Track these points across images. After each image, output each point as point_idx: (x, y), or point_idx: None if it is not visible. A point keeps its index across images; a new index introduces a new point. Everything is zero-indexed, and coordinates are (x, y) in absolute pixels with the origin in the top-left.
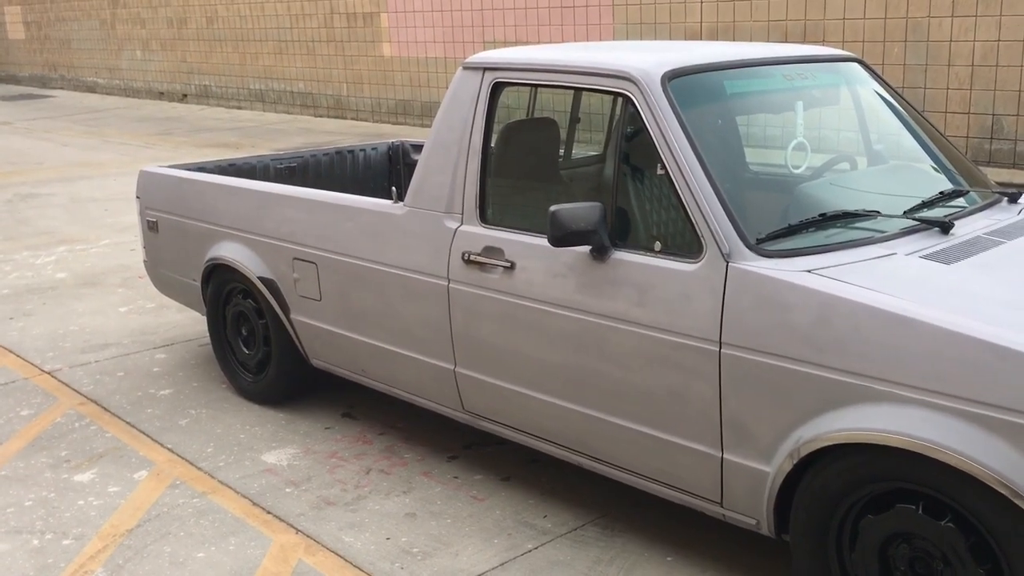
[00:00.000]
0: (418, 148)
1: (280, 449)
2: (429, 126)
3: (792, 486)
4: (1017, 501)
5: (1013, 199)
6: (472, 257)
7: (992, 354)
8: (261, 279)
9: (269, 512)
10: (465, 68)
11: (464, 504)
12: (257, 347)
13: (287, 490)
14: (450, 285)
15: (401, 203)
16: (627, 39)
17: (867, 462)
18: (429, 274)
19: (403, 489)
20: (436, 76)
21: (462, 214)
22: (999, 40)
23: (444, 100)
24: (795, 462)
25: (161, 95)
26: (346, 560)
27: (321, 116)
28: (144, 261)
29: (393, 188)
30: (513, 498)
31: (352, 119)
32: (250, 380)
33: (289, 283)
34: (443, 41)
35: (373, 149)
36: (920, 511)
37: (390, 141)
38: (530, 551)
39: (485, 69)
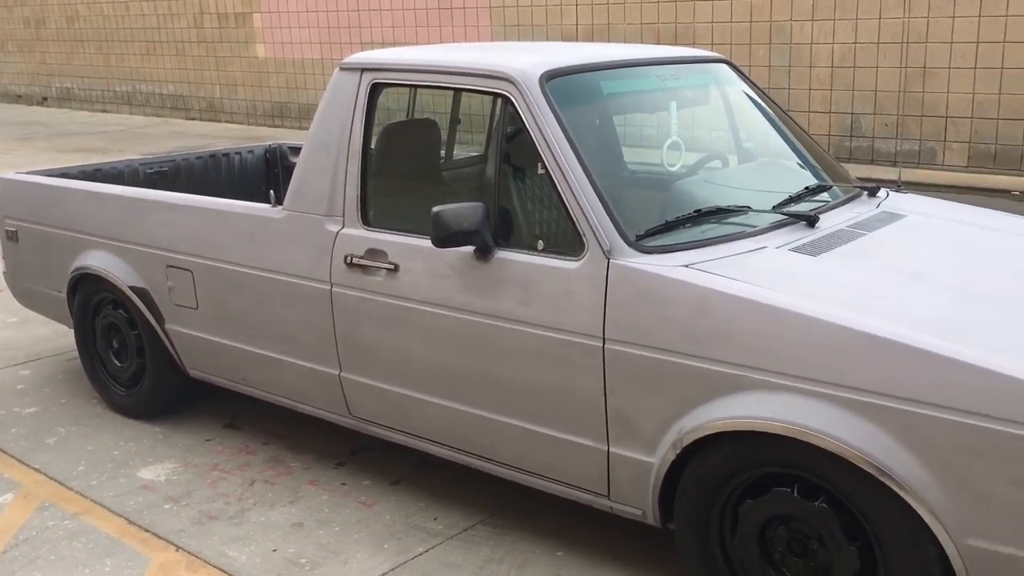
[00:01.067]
0: (296, 151)
1: (158, 464)
2: (307, 128)
3: (676, 476)
4: (883, 479)
5: (872, 193)
6: (355, 260)
7: (856, 340)
8: (133, 288)
9: (147, 530)
10: (342, 69)
11: (353, 511)
12: (130, 359)
13: (166, 506)
14: (333, 289)
15: (280, 207)
16: (505, 41)
17: (745, 449)
18: (311, 278)
19: (289, 499)
20: (313, 77)
21: (343, 217)
22: (856, 42)
23: (322, 102)
24: (678, 452)
25: (19, 98)
26: (230, 575)
27: (193, 119)
28: (3, 273)
29: (271, 192)
30: (403, 502)
31: (226, 122)
32: (123, 394)
33: (163, 292)
34: (319, 42)
35: (249, 152)
36: (795, 494)
37: (267, 144)
38: (421, 554)
39: (363, 70)
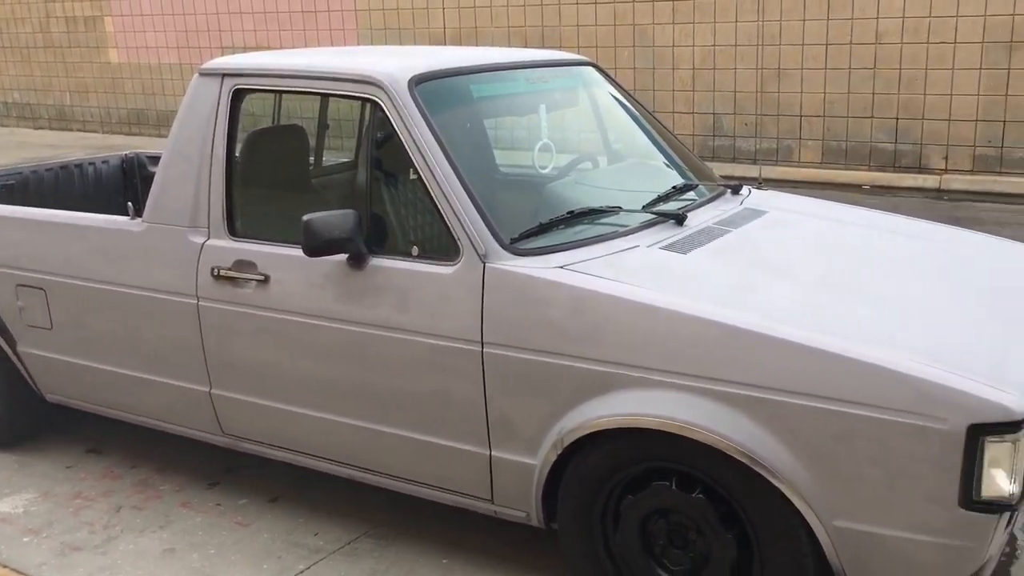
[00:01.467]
0: (155, 160)
1: (14, 495)
2: (166, 136)
3: (558, 476)
4: (755, 468)
5: (735, 191)
6: (222, 272)
7: (724, 333)
8: None
9: (4, 566)
10: (202, 74)
11: (228, 532)
12: None
13: (25, 539)
14: (200, 303)
15: (139, 219)
16: (372, 45)
17: (624, 446)
18: (176, 293)
19: (160, 524)
20: (172, 83)
21: (208, 228)
22: (714, 45)
23: (181, 108)
24: (559, 452)
25: None
26: None
27: (42, 128)
28: None
29: (129, 204)
30: (281, 519)
31: (79, 131)
32: None
33: (13, 312)
34: (176, 46)
35: (104, 162)
36: (673, 487)
37: (123, 153)
38: (302, 572)
39: (224, 75)
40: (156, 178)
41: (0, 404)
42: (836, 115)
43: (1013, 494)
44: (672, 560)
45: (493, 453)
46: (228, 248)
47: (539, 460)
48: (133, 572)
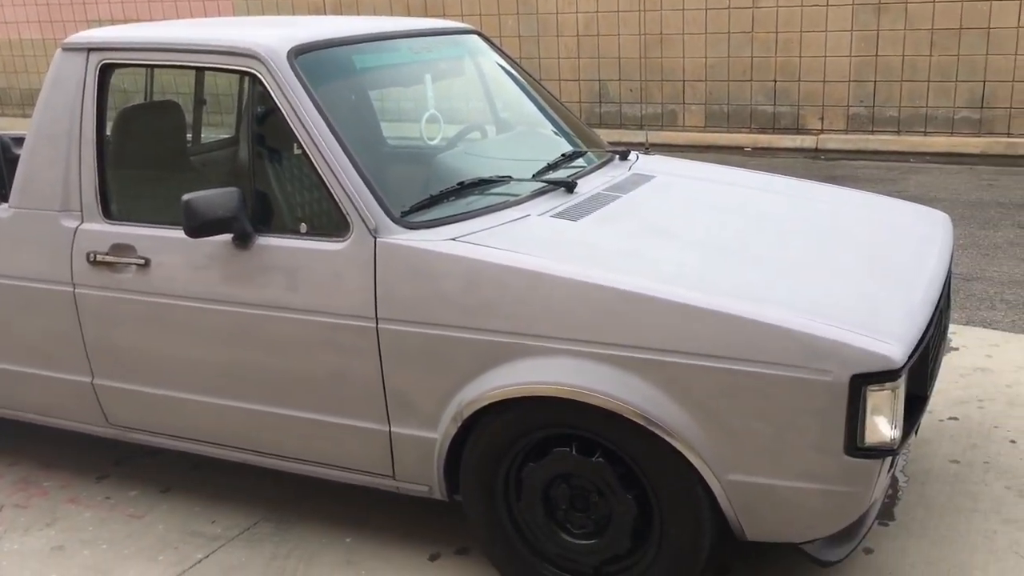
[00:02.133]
0: (19, 142)
1: None
2: (30, 116)
3: (459, 448)
4: (652, 428)
5: (623, 157)
6: (99, 257)
7: (618, 299)
8: None
9: None
10: (65, 49)
11: (121, 525)
12: None
13: None
14: (76, 291)
15: (5, 204)
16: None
17: (524, 414)
18: (49, 281)
19: (46, 521)
20: (34, 60)
21: (81, 211)
22: (597, 11)
23: (44, 86)
24: (459, 424)
25: None
26: None
27: None
28: None
29: None
30: (176, 509)
31: None
32: None
33: None
34: (39, 20)
35: None
36: (574, 452)
37: None
38: (200, 561)
39: (90, 50)
40: (21, 161)
41: None
42: (717, 79)
43: (894, 439)
44: (575, 523)
45: (392, 429)
46: (104, 232)
47: (439, 434)
48: (20, 573)
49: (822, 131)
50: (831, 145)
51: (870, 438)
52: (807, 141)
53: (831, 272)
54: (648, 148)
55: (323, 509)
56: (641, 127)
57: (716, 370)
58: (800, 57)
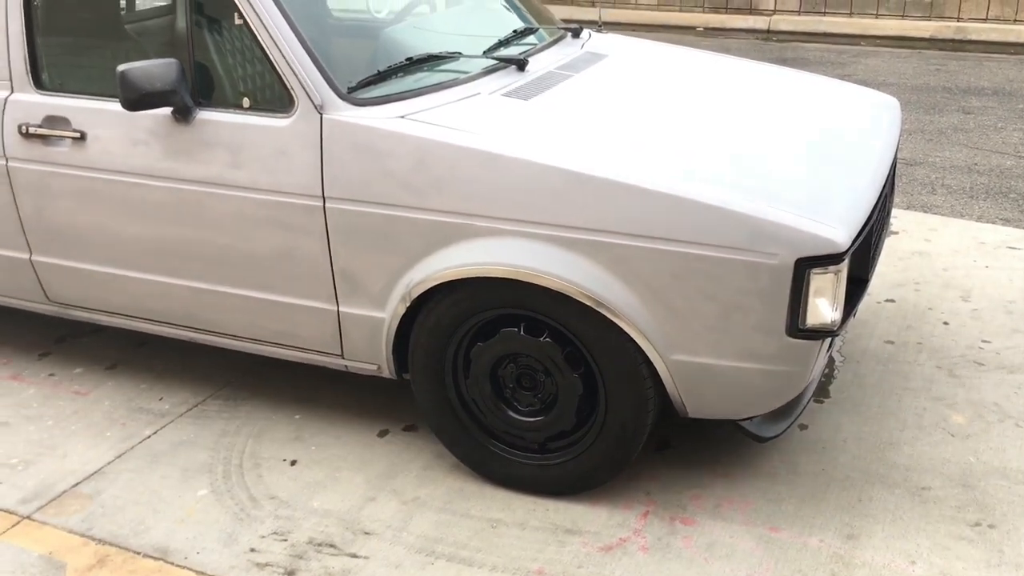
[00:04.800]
0: None
1: None
2: None
3: (407, 328)
4: (599, 309)
5: (576, 35)
6: (31, 130)
7: (567, 180)
8: None
9: None
10: None
11: (66, 402)
12: None
13: None
14: (8, 164)
15: None
16: None
17: (473, 295)
18: None
19: None
20: None
21: (11, 81)
22: None
23: None
24: (408, 304)
25: None
26: None
27: None
28: None
29: None
30: (122, 386)
31: None
32: None
33: None
34: None
35: None
36: (521, 332)
37: None
38: (149, 437)
39: None
40: None
41: None
42: None
43: (835, 321)
44: (522, 401)
45: (341, 309)
46: (36, 103)
47: (388, 314)
48: None
49: (775, 12)
50: (783, 26)
51: (811, 320)
52: (759, 22)
53: (778, 155)
54: (601, 26)
55: (272, 386)
56: (593, 4)
57: (663, 252)
58: None
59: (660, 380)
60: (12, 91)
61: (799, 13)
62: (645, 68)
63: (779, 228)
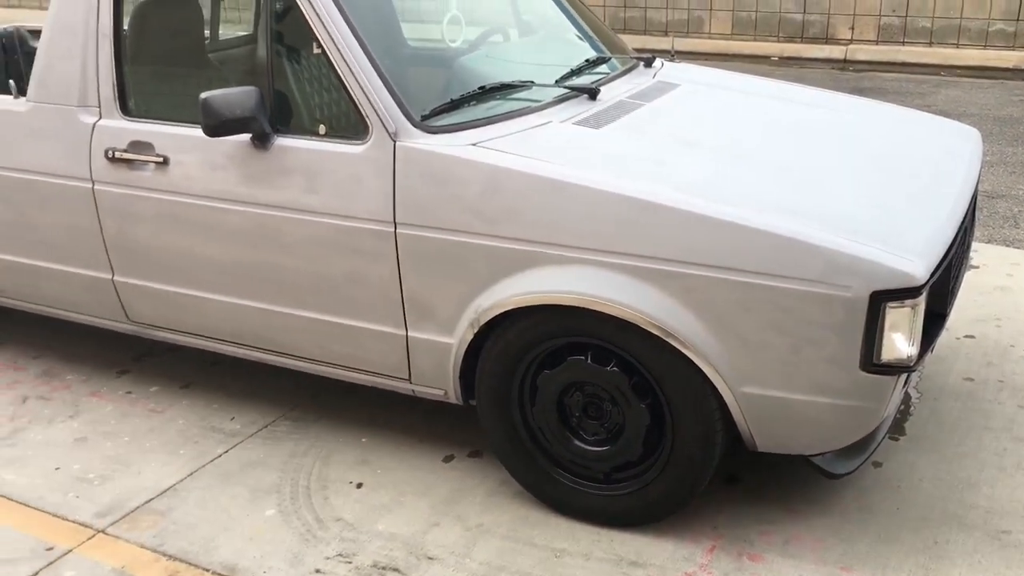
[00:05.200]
0: (37, 34)
1: None
2: (47, 8)
3: (475, 353)
4: (668, 339)
5: (648, 63)
6: (117, 154)
7: (637, 209)
8: None
9: None
10: None
11: (142, 419)
12: None
13: None
14: (95, 187)
15: (24, 98)
16: None
17: (540, 322)
18: (68, 176)
19: (69, 414)
20: None
21: (100, 107)
22: None
23: None
24: (476, 331)
25: None
26: (9, 499)
27: None
28: None
29: (11, 82)
30: (196, 405)
31: None
32: None
33: None
34: None
35: None
36: (589, 360)
37: (2, 27)
38: (220, 456)
39: None
40: (38, 54)
41: None
42: None
43: (911, 356)
44: (588, 430)
45: (409, 333)
46: (122, 129)
47: (456, 339)
48: (44, 462)
49: (851, 41)
50: (860, 56)
51: (887, 355)
52: (836, 51)
53: (855, 186)
54: (674, 55)
55: (340, 409)
56: (666, 33)
57: (733, 283)
58: None
59: (729, 412)
60: (100, 117)
61: (877, 43)
62: (717, 97)
63: (854, 260)
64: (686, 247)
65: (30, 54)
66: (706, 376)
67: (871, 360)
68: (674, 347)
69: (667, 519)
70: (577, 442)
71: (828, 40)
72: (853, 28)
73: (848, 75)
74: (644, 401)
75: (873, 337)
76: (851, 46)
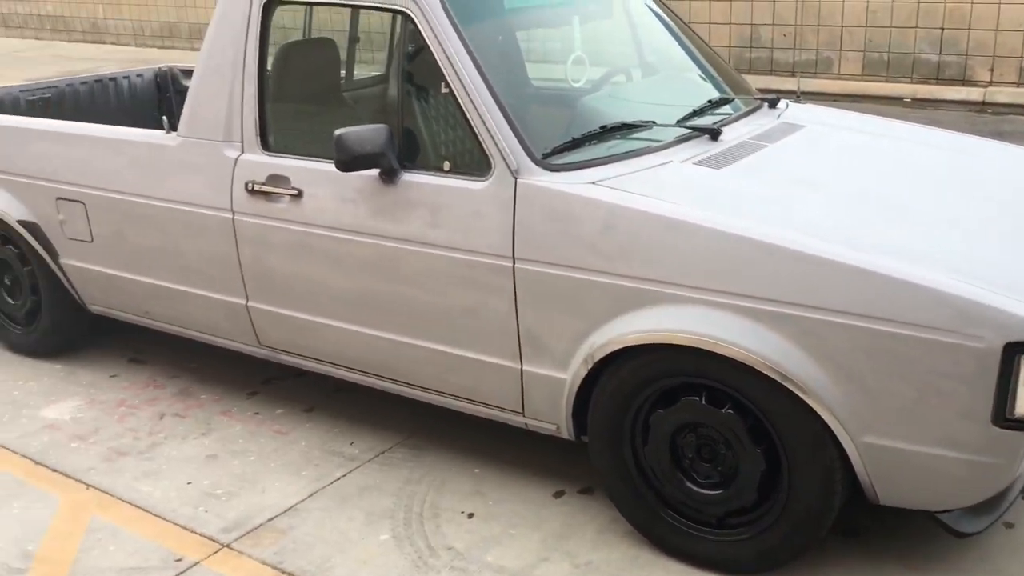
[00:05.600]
0: (189, 74)
1: (61, 403)
2: (199, 49)
3: (588, 390)
4: (786, 384)
5: (772, 104)
6: (256, 187)
7: (758, 250)
8: (21, 223)
9: (54, 470)
10: None
11: (268, 440)
12: (24, 296)
13: (73, 445)
14: (235, 217)
15: (174, 133)
16: None
17: (655, 361)
18: (211, 207)
19: (201, 431)
20: None
21: (242, 142)
22: None
23: (212, 21)
24: (590, 367)
25: None
26: (144, 510)
27: (76, 41)
28: None
29: (164, 118)
30: (318, 428)
31: (112, 44)
32: (19, 332)
33: (55, 225)
34: None
35: (139, 76)
36: (703, 402)
37: (157, 67)
38: (339, 479)
39: None
40: (189, 92)
41: (45, 315)
42: (879, 24)
43: None
44: (701, 473)
45: (524, 367)
46: (261, 163)
47: (569, 375)
48: (177, 477)
49: (991, 83)
50: (1000, 98)
51: (1020, 409)
52: (973, 93)
53: (988, 233)
54: (799, 96)
55: (455, 439)
56: (793, 74)
57: (857, 328)
58: (971, 3)
59: (849, 462)
60: (243, 151)
61: (1019, 84)
62: (844, 139)
63: (986, 309)
64: (807, 290)
65: (181, 92)
66: (825, 423)
67: (1003, 414)
68: (791, 392)
69: (782, 569)
70: (689, 484)
71: (965, 81)
72: (992, 69)
73: (986, 118)
74: (760, 446)
75: (1006, 390)
76: (990, 88)
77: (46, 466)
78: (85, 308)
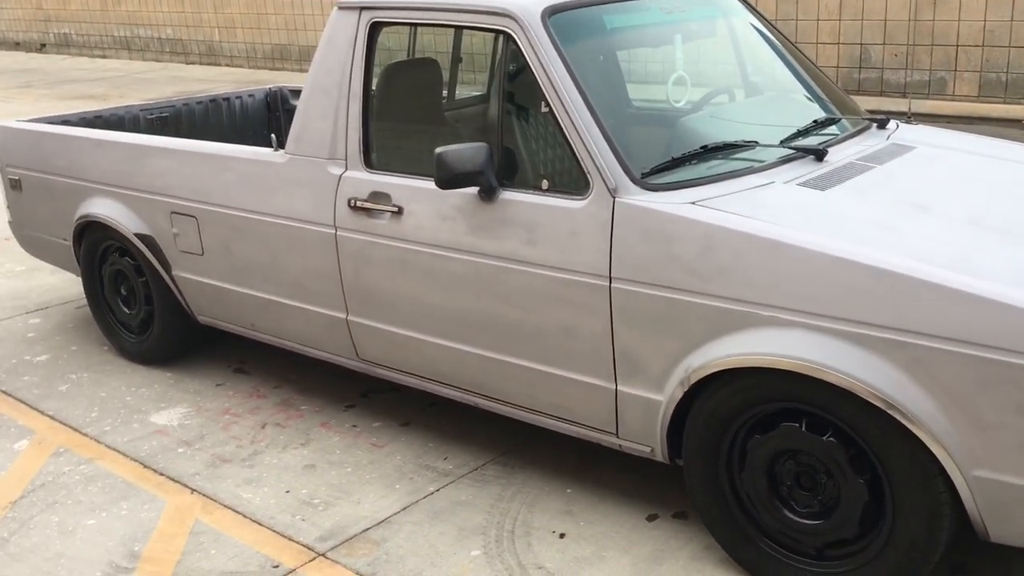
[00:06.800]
0: (297, 94)
1: (170, 409)
2: (307, 71)
3: (683, 413)
4: (891, 412)
5: (881, 125)
6: (359, 203)
7: (863, 273)
8: (138, 235)
9: (161, 474)
10: (341, 8)
11: (364, 452)
12: (138, 306)
13: (179, 450)
14: (337, 233)
15: (282, 151)
16: None
17: (754, 385)
18: (315, 223)
19: (301, 441)
20: (312, 18)
21: (346, 160)
22: None
23: (320, 43)
24: (686, 389)
25: (17, 45)
26: (245, 516)
27: (193, 63)
28: (9, 222)
29: (272, 136)
30: (413, 443)
31: (226, 65)
32: (133, 341)
33: (168, 238)
34: None
35: (250, 96)
36: (804, 428)
37: (267, 87)
38: (432, 493)
39: (362, 9)
40: (297, 111)
41: (157, 325)
42: (996, 44)
43: None
44: (800, 502)
45: (619, 388)
46: (364, 180)
47: (665, 396)
48: (277, 485)
49: None
50: None
51: None
52: None
53: None
54: (911, 117)
55: (548, 458)
56: (904, 95)
57: (969, 357)
58: None
59: (958, 496)
60: (346, 169)
61: None
62: (957, 161)
63: None
64: (916, 316)
65: (290, 111)
66: (933, 455)
67: None
68: (897, 421)
69: None
70: (787, 513)
71: None
72: None
73: None
74: (863, 476)
75: None
76: None
77: (154, 470)
78: (194, 318)
